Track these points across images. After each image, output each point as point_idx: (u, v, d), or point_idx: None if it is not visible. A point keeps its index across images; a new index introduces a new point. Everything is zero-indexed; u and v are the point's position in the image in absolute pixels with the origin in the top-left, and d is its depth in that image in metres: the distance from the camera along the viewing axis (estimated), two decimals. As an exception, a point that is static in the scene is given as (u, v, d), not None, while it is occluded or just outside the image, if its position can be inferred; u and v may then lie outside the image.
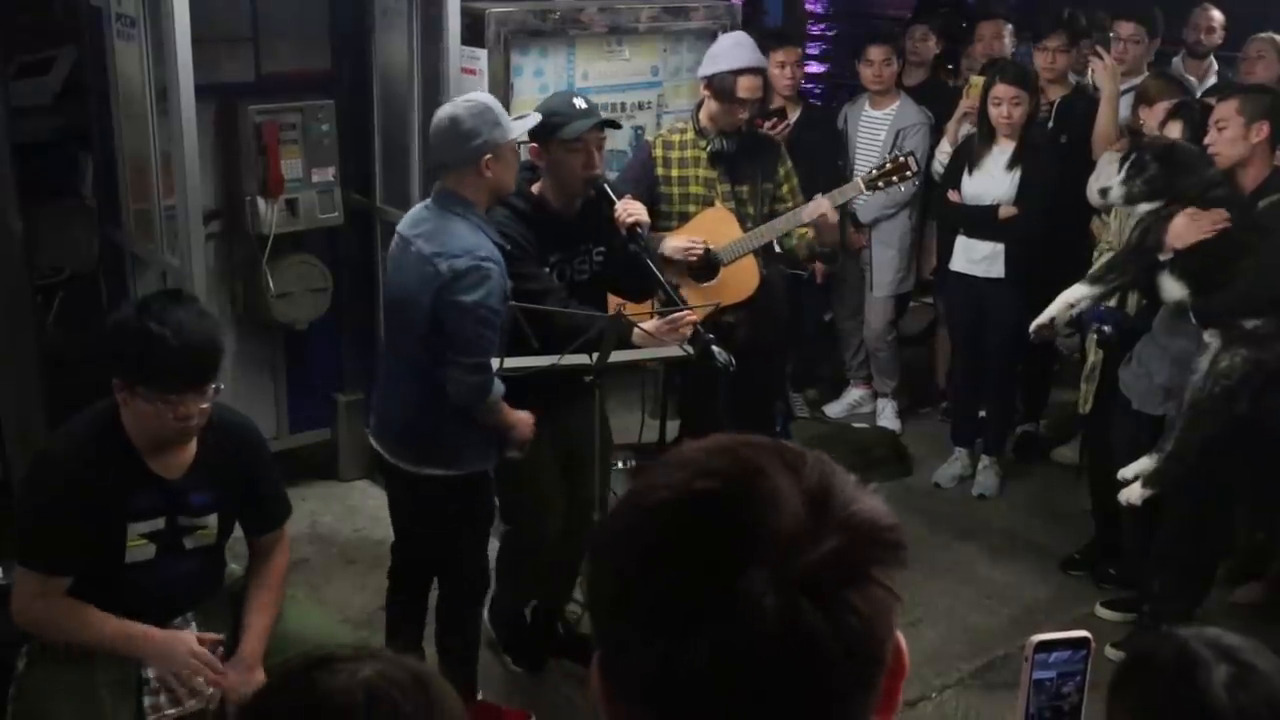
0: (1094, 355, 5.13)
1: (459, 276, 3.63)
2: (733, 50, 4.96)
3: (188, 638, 3.23)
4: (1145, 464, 4.52)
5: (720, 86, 4.88)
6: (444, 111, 3.80)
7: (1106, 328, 4.90)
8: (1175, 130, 4.77)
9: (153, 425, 3.10)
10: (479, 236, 3.72)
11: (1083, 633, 1.77)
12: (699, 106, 5.05)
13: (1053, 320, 4.73)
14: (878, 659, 1.02)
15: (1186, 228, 4.37)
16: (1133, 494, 4.53)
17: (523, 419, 3.93)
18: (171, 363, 3.02)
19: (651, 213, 4.74)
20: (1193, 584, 4.74)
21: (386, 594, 4.33)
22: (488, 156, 3.71)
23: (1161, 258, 4.46)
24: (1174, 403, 4.53)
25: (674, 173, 4.97)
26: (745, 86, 4.86)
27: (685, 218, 4.95)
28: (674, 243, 4.77)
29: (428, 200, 3.91)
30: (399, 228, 3.90)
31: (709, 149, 4.94)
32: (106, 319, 5.42)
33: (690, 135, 5.00)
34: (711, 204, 4.96)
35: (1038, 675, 1.74)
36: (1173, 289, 4.48)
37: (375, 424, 4.09)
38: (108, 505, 3.12)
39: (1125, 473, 4.57)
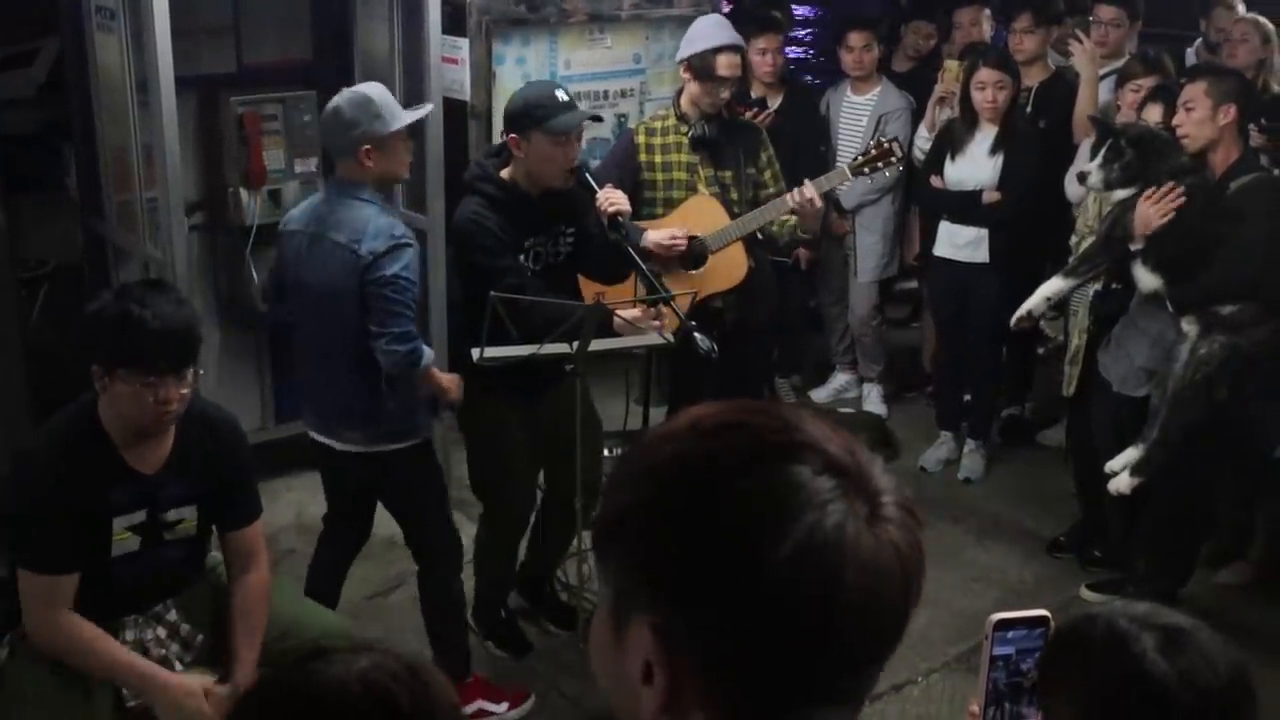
0: (1078, 338, 5.16)
1: (379, 256, 3.73)
2: (709, 30, 4.96)
3: (196, 691, 3.21)
4: (1132, 454, 4.55)
5: (700, 66, 4.87)
6: (332, 101, 3.88)
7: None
8: (1154, 113, 4.78)
9: (132, 411, 3.10)
10: (389, 217, 3.84)
11: (1041, 611, 1.79)
12: (679, 93, 5.04)
13: (1030, 313, 4.78)
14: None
15: (1149, 212, 4.39)
16: (1121, 483, 4.57)
17: (453, 381, 4.06)
18: (151, 344, 3.03)
19: (634, 200, 4.76)
20: (1176, 565, 4.78)
21: (314, 561, 4.39)
22: (366, 147, 3.79)
23: (1133, 248, 4.49)
24: (1155, 384, 4.56)
25: (657, 159, 4.98)
26: (725, 64, 4.85)
27: (669, 204, 4.95)
28: (656, 236, 4.78)
29: (318, 195, 3.98)
30: (293, 225, 3.97)
31: (690, 134, 4.94)
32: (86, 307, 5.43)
33: (672, 121, 5.00)
34: (695, 190, 4.96)
35: (997, 651, 1.78)
36: (1147, 279, 4.50)
37: (313, 414, 4.12)
38: (89, 502, 3.12)
39: (1113, 464, 4.60)
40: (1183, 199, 4.34)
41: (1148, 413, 4.58)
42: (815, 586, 1.01)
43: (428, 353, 3.89)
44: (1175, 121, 4.51)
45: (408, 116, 3.91)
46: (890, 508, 1.06)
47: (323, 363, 4.01)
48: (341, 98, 3.85)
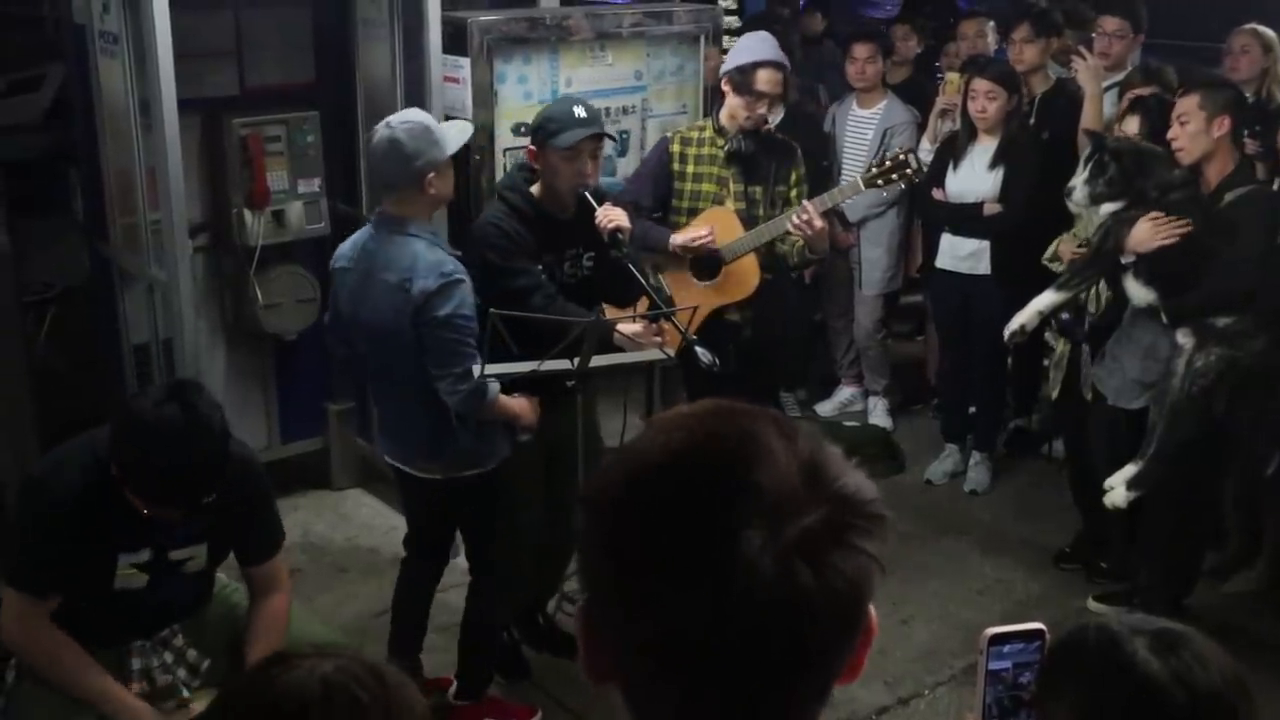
0: (1062, 345, 5.17)
1: (430, 296, 3.71)
2: (753, 45, 5.02)
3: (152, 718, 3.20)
4: (1130, 470, 4.55)
5: (740, 81, 4.91)
6: (382, 134, 3.81)
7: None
8: (1133, 124, 4.79)
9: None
10: (437, 253, 3.81)
11: (1037, 625, 1.79)
12: (719, 106, 5.07)
13: (1023, 327, 4.78)
14: (857, 622, 1.11)
15: (1147, 234, 4.39)
16: (1118, 497, 4.57)
17: (525, 406, 4.04)
18: (163, 488, 3.06)
19: (664, 209, 4.90)
20: (1179, 575, 4.78)
21: (397, 587, 4.35)
22: (431, 175, 3.79)
23: (1123, 261, 4.49)
24: (1150, 395, 4.55)
25: (689, 169, 5.00)
26: (765, 79, 4.89)
27: (694, 214, 4.98)
28: (681, 238, 4.83)
29: (367, 229, 3.97)
30: (344, 262, 3.96)
31: (726, 148, 4.97)
32: (95, 342, 5.46)
33: (709, 133, 5.03)
34: (721, 203, 4.98)
35: (993, 666, 1.77)
36: (1139, 293, 4.50)
37: (389, 442, 4.14)
38: (96, 540, 3.11)
39: (1111, 480, 4.59)
40: (1187, 230, 4.34)
41: (1144, 425, 4.58)
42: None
43: (493, 387, 3.86)
44: (1170, 135, 4.51)
45: (456, 138, 3.90)
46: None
47: (392, 397, 4.03)
48: (396, 130, 3.77)
